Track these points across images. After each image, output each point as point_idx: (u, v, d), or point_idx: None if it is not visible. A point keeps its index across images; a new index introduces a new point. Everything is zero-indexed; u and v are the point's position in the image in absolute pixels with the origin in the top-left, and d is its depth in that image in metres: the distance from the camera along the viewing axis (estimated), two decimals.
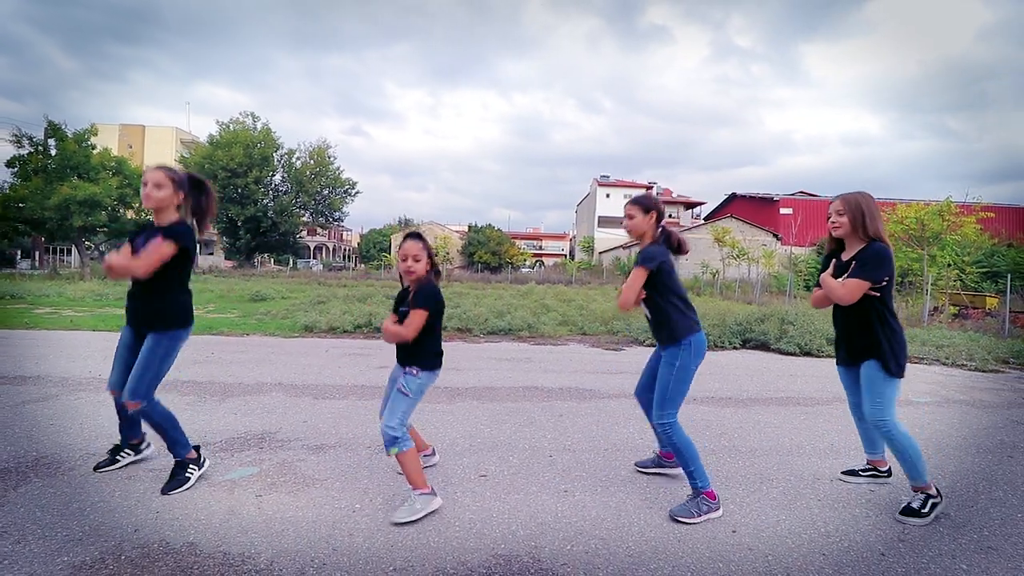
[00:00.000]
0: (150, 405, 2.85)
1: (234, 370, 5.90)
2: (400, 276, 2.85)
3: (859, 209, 2.85)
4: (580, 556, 2.33)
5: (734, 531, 2.60)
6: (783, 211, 33.38)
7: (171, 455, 2.96)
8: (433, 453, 3.34)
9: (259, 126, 37.64)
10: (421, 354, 2.74)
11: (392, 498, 2.83)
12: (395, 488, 2.95)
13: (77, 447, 3.42)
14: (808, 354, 8.20)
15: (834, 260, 2.99)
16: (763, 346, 8.78)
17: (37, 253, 32.36)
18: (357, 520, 2.58)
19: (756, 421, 4.50)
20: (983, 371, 7.56)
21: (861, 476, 3.27)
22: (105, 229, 23.29)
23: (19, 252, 36.35)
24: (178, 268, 2.84)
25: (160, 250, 2.70)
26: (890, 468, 3.27)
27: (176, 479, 2.87)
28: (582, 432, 4.07)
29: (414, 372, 2.72)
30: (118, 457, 3.11)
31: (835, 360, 3.16)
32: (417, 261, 2.70)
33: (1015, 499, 3.07)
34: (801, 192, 43.50)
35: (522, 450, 3.62)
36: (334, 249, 67.38)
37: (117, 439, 3.16)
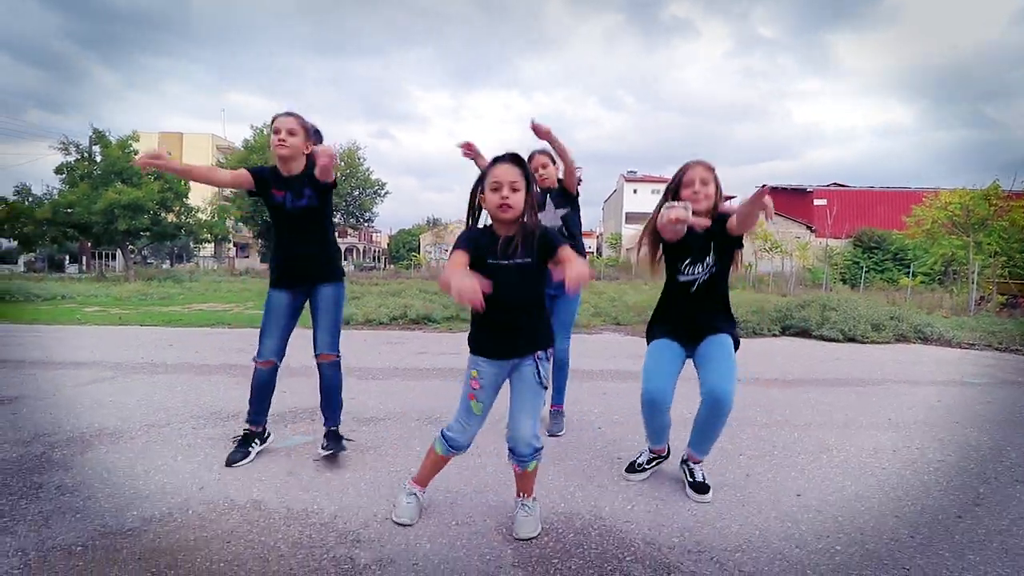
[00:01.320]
0: (340, 360, 2.85)
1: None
2: (475, 218, 2.09)
3: (717, 179, 2.50)
4: (642, 515, 2.28)
5: (799, 495, 2.52)
6: (817, 202, 32.53)
7: (325, 424, 2.88)
8: None
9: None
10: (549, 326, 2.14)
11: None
12: None
13: (136, 419, 3.50)
14: (852, 340, 7.95)
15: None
16: (804, 332, 8.54)
17: (84, 258, 33.58)
18: None
19: (806, 399, 4.37)
20: None
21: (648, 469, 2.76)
22: (147, 233, 24.01)
23: (67, 257, 37.76)
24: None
25: None
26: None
27: (337, 443, 2.81)
28: (628, 407, 4.01)
29: (549, 354, 2.13)
30: (250, 449, 2.80)
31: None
32: (516, 192, 1.93)
33: None
34: (835, 183, 42.41)
35: (570, 423, 3.58)
36: (364, 250, 68.26)
37: (173, 412, 3.21)
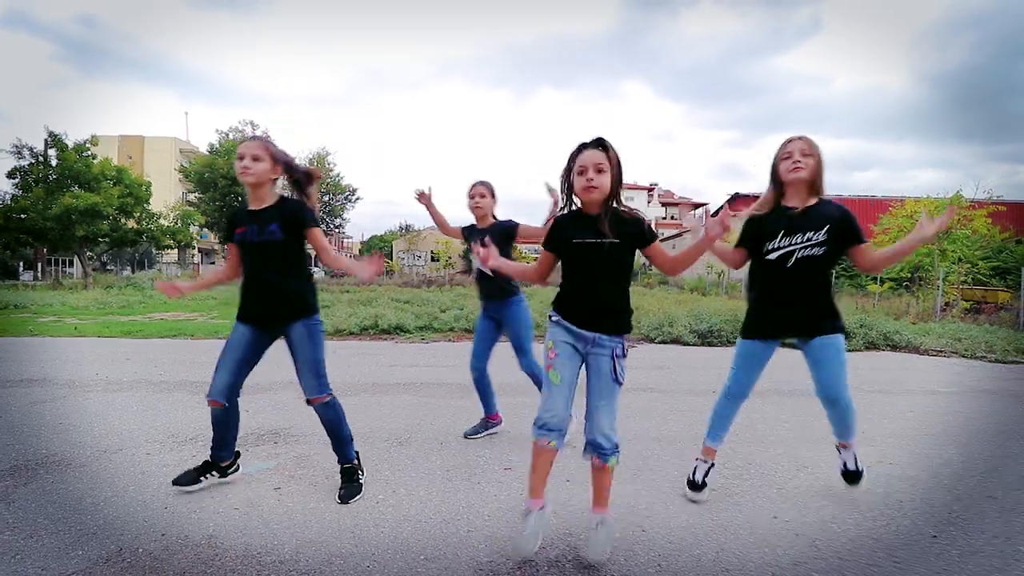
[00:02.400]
0: (333, 397, 2.69)
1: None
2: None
3: (820, 155, 2.52)
4: (618, 542, 2.23)
5: (775, 517, 2.50)
6: None
7: (336, 459, 2.74)
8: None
9: (259, 134, 37.76)
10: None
11: (414, 489, 2.73)
12: (417, 480, 2.86)
13: (87, 444, 3.33)
14: None
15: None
16: None
17: (39, 264, 32.38)
18: (382, 511, 2.48)
19: (780, 412, 4.39)
20: (1004, 362, 7.45)
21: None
22: (107, 239, 23.28)
23: (21, 264, 36.37)
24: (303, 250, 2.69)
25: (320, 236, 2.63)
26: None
27: (352, 483, 2.66)
28: None
29: (626, 349, 2.15)
30: (202, 478, 2.68)
31: (748, 332, 2.72)
32: (600, 173, 2.04)
33: None
34: None
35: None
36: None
37: (127, 435, 3.07)
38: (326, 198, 40.34)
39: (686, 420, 4.06)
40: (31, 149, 22.23)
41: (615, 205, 2.09)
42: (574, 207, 2.17)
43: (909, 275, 17.13)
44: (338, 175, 40.66)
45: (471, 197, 3.44)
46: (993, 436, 3.84)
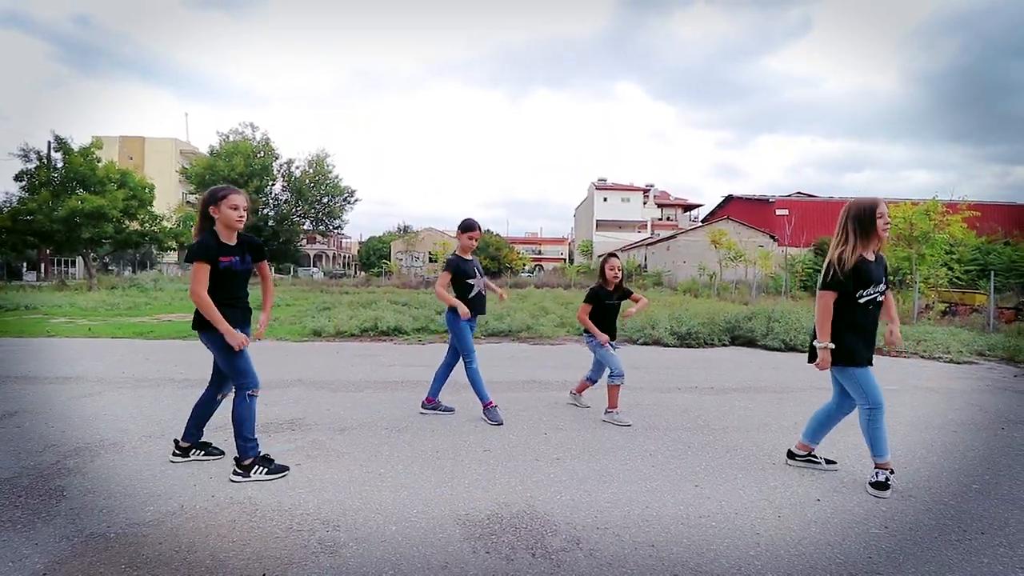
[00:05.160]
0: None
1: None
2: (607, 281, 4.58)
3: None
4: (567, 503, 2.88)
5: (697, 486, 3.15)
6: (779, 212, 34.01)
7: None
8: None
9: (258, 136, 38.39)
10: None
11: (409, 465, 3.38)
12: (412, 458, 3.51)
13: (132, 431, 3.98)
14: (793, 349, 8.73)
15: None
16: (750, 343, 9.32)
17: (43, 265, 32.99)
18: (383, 480, 3.14)
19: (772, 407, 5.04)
20: (956, 363, 8.09)
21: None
22: (110, 241, 23.90)
23: (24, 264, 36.99)
24: None
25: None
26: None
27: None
28: (575, 415, 4.63)
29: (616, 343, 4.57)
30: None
31: (863, 361, 3.17)
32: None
33: (952, 464, 3.62)
34: (799, 193, 44.13)
35: (520, 430, 4.18)
36: (334, 256, 68.07)
37: (164, 424, 3.69)
38: (325, 200, 40.99)
39: (644, 413, 4.70)
40: (37, 152, 22.86)
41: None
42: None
43: (891, 279, 17.78)
44: (337, 177, 41.32)
45: (470, 238, 4.58)
46: (907, 428, 4.49)
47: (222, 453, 3.50)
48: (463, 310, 4.31)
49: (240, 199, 3.21)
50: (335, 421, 4.32)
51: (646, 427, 4.24)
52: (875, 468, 3.17)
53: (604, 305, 4.57)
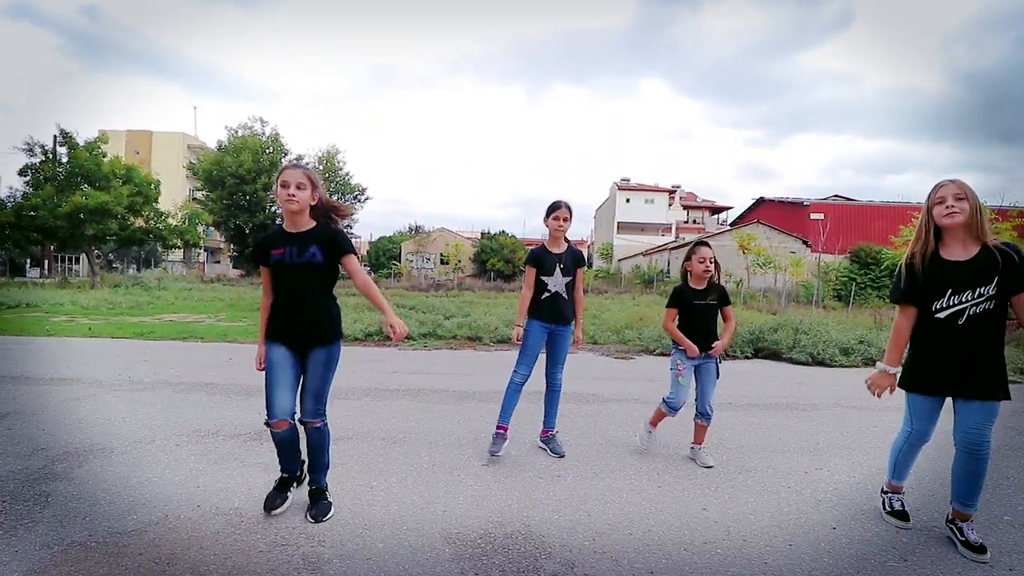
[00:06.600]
0: (325, 424, 2.92)
1: (253, 374, 6.46)
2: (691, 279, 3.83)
3: (976, 198, 2.52)
4: (565, 525, 2.88)
5: (704, 509, 3.14)
6: (813, 216, 33.56)
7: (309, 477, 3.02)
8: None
9: (267, 131, 38.88)
10: None
11: (404, 479, 3.41)
12: (406, 471, 3.53)
13: (123, 435, 4.05)
14: (821, 363, 8.61)
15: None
16: (775, 355, 9.20)
17: (46, 261, 33.77)
18: (375, 493, 3.17)
19: (756, 425, 4.99)
20: None
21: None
22: (115, 238, 24.38)
23: (28, 260, 37.90)
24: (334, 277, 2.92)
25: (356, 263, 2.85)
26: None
27: (323, 503, 2.90)
28: (580, 430, 4.62)
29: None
30: (288, 494, 2.97)
31: (933, 387, 2.73)
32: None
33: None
34: (836, 196, 43.58)
35: (522, 444, 4.18)
36: None
37: (156, 428, 3.76)
38: (335, 198, 41.36)
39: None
40: (42, 147, 23.41)
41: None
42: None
43: None
44: (347, 174, 41.70)
45: (561, 220, 3.82)
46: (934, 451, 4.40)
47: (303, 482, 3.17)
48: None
49: (288, 174, 2.71)
50: (331, 430, 4.35)
51: (655, 444, 4.21)
52: (889, 491, 3.09)
53: (693, 308, 3.77)
